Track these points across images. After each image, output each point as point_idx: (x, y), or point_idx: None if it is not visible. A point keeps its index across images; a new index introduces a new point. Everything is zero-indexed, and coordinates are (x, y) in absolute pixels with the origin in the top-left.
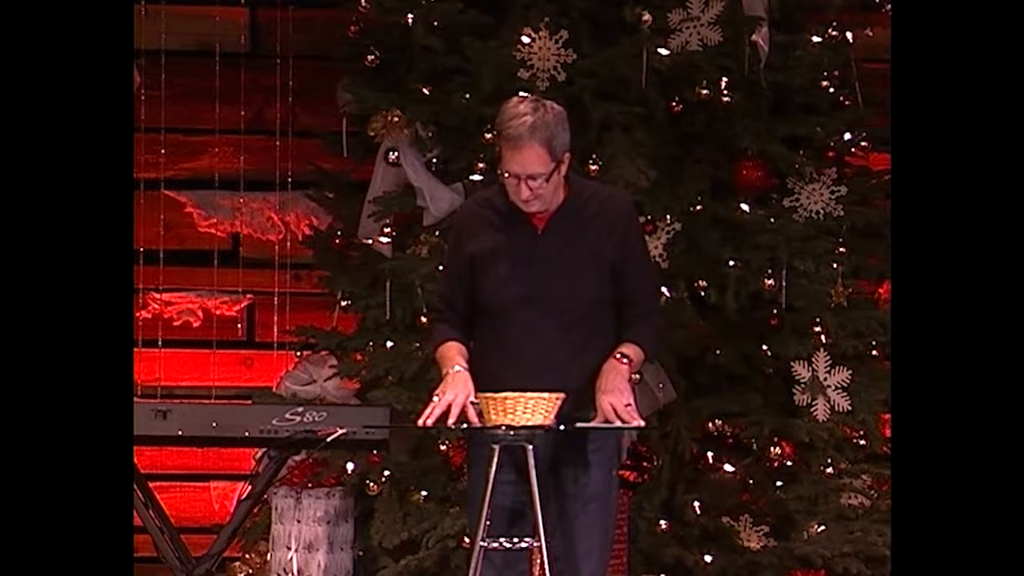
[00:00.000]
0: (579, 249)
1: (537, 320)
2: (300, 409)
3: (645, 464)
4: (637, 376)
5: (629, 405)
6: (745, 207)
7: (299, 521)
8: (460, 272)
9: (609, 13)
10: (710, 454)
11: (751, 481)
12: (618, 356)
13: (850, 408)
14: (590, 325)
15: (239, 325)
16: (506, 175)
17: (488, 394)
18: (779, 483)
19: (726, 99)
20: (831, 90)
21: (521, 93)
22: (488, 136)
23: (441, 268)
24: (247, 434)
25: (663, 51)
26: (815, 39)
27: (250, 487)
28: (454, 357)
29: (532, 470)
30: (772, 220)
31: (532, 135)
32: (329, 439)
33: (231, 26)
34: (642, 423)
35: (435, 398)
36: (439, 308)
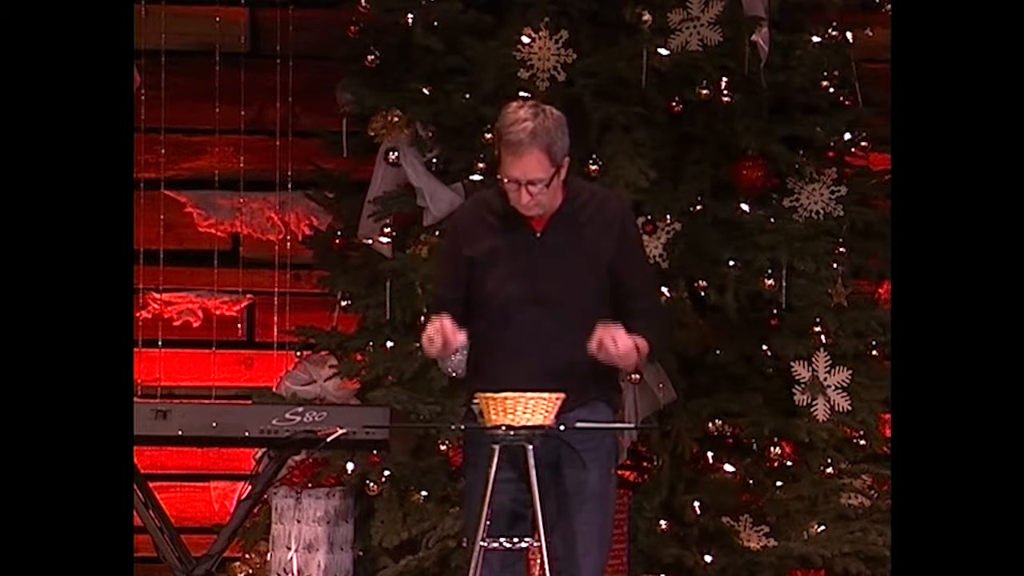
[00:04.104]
0: (577, 250)
1: (536, 320)
2: (300, 409)
3: (645, 464)
4: (637, 376)
5: (620, 341)
6: (745, 207)
7: (299, 521)
8: (457, 274)
9: (609, 13)
10: (710, 454)
11: (751, 481)
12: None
13: (850, 408)
14: (589, 325)
15: (239, 325)
16: (506, 180)
17: (488, 394)
18: (779, 483)
19: (726, 99)
20: (831, 90)
21: (522, 93)
22: (488, 136)
23: (437, 266)
24: (247, 434)
25: (663, 51)
26: (815, 39)
27: (250, 487)
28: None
29: (532, 470)
30: (772, 220)
31: (533, 141)
32: (329, 439)
33: (231, 26)
34: (633, 351)
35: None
36: (435, 310)
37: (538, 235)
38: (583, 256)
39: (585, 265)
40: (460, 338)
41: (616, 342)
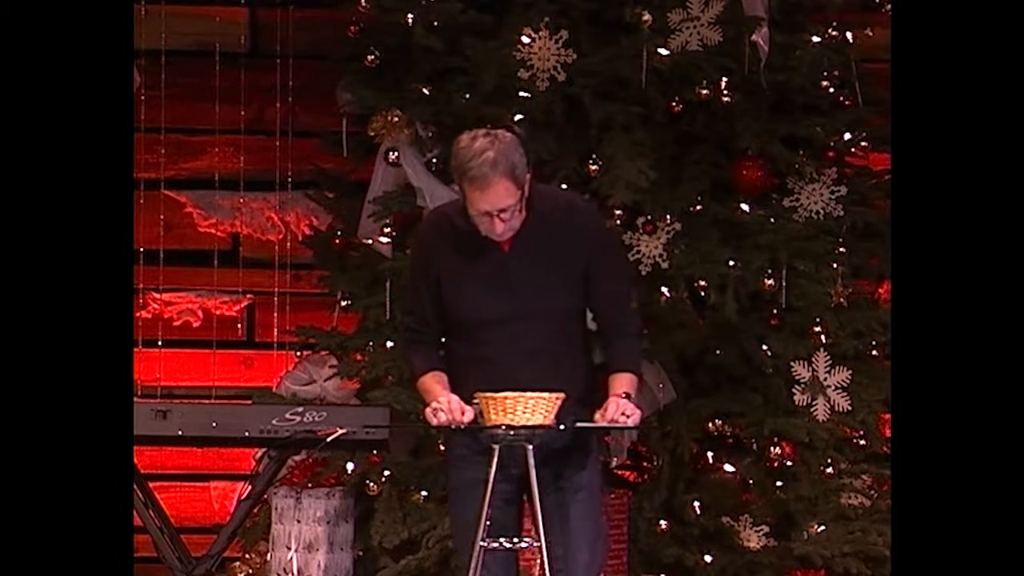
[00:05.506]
0: (548, 264)
1: (512, 334)
2: (300, 409)
3: (645, 464)
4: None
5: (632, 417)
6: (745, 207)
7: (299, 521)
8: (429, 290)
9: (609, 13)
10: (710, 454)
11: (751, 481)
12: (620, 394)
13: (850, 408)
14: (566, 334)
15: (239, 325)
16: (477, 215)
17: (488, 394)
18: (779, 483)
19: (726, 99)
20: (831, 90)
21: (522, 93)
22: None
23: (408, 285)
24: (247, 434)
25: (663, 51)
26: (815, 39)
27: (250, 487)
28: (440, 392)
29: (532, 470)
30: (772, 220)
31: (495, 170)
32: (329, 439)
33: (231, 26)
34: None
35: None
36: (413, 327)
37: (507, 251)
38: (554, 267)
39: (557, 277)
40: (467, 416)
41: (628, 418)
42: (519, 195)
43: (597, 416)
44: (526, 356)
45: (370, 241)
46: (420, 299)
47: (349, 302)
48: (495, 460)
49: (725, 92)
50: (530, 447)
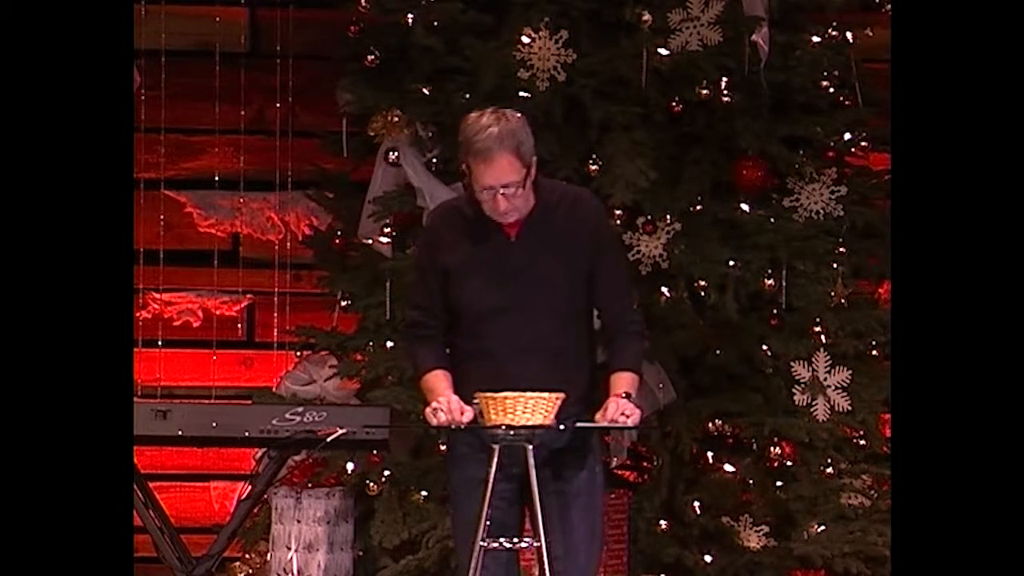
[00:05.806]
0: (553, 256)
1: (515, 328)
2: (300, 409)
3: (645, 464)
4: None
5: (632, 417)
6: (745, 207)
7: (299, 521)
8: (435, 283)
9: (609, 13)
10: (710, 454)
11: (751, 481)
12: (620, 394)
13: (850, 408)
14: (568, 331)
15: (239, 325)
16: (482, 191)
17: (488, 394)
18: (779, 483)
19: (726, 99)
20: (831, 90)
21: (522, 93)
22: None
23: (414, 279)
24: (247, 434)
25: (663, 51)
26: (815, 39)
27: (250, 487)
28: (444, 390)
29: (532, 470)
30: (772, 220)
31: (501, 145)
32: (329, 439)
33: (231, 26)
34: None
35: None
36: (419, 321)
37: (513, 240)
38: (559, 261)
39: (562, 270)
40: (467, 416)
41: (628, 418)
42: (524, 173)
43: (597, 416)
44: (526, 351)
45: (370, 241)
46: (427, 290)
47: (349, 302)
48: (495, 460)
49: (725, 92)
50: (530, 447)
